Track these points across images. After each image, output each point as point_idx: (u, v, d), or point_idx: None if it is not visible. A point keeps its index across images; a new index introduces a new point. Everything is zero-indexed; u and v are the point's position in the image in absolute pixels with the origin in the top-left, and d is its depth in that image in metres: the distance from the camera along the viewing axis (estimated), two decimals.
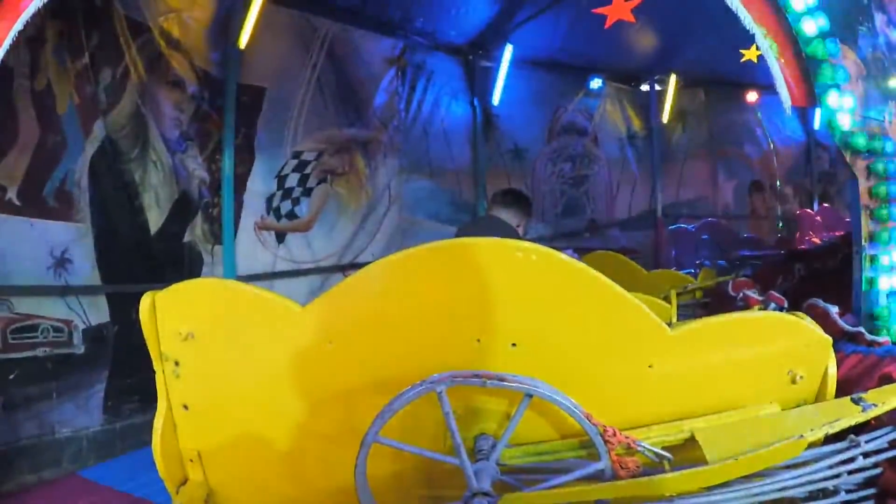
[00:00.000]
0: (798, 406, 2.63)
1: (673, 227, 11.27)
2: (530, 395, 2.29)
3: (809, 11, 3.56)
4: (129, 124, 6.04)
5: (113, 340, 5.81)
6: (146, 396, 5.77)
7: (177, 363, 2.58)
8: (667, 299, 5.00)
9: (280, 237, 7.45)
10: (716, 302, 5.60)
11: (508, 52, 9.67)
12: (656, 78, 11.92)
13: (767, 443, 2.34)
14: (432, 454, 2.37)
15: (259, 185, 7.25)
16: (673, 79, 11.76)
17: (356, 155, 8.20)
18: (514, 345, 2.43)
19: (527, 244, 2.39)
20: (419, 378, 2.33)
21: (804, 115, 12.87)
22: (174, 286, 2.59)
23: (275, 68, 7.28)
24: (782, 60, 3.59)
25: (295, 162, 7.55)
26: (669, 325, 2.79)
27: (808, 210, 10.95)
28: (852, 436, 2.52)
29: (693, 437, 2.47)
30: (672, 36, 10.15)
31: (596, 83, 11.26)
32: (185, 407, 2.62)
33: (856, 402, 2.56)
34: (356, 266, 7.90)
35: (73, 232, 5.60)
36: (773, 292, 4.58)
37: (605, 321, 2.46)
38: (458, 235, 4.01)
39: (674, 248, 10.54)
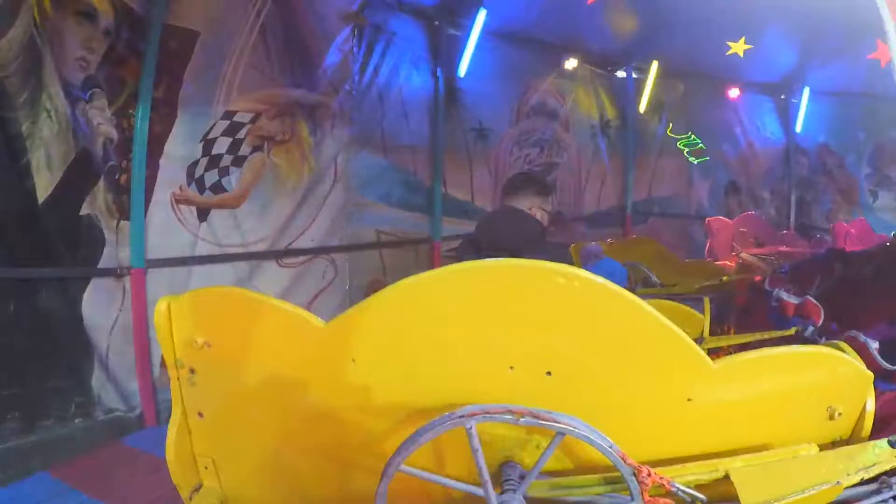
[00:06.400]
0: (833, 442, 2.58)
1: (712, 217, 11.08)
2: (562, 434, 2.24)
3: None
4: (18, 59, 5.09)
5: None
6: (32, 412, 5.17)
7: (192, 371, 2.59)
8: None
9: (202, 214, 6.50)
10: (749, 298, 5.83)
11: (482, 18, 9.19)
12: (634, 65, 11.86)
13: (803, 487, 2.33)
14: (458, 485, 2.32)
15: (180, 148, 6.29)
16: (654, 66, 11.69)
17: (300, 121, 7.36)
18: (549, 373, 2.34)
19: (569, 269, 2.24)
20: (447, 403, 2.31)
21: (786, 116, 13.37)
22: (191, 293, 2.57)
23: (211, 10, 6.37)
24: None
25: (226, 123, 6.62)
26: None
27: (842, 223, 10.84)
28: (884, 477, 2.46)
29: (727, 477, 2.39)
30: (655, 21, 10.16)
31: (571, 63, 10.87)
32: (200, 415, 2.66)
33: (893, 444, 2.51)
34: (292, 252, 7.31)
35: None
36: (809, 298, 4.75)
37: (646, 352, 2.36)
38: (478, 230, 4.00)
39: (709, 240, 10.30)
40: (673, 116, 12.45)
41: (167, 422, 6.12)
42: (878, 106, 12.72)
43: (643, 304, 2.30)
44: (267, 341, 2.53)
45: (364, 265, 8.04)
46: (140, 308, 5.81)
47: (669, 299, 5.81)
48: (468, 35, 9.30)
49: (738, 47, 10.48)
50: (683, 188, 12.73)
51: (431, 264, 8.90)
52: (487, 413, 2.23)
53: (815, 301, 4.67)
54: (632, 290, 6.03)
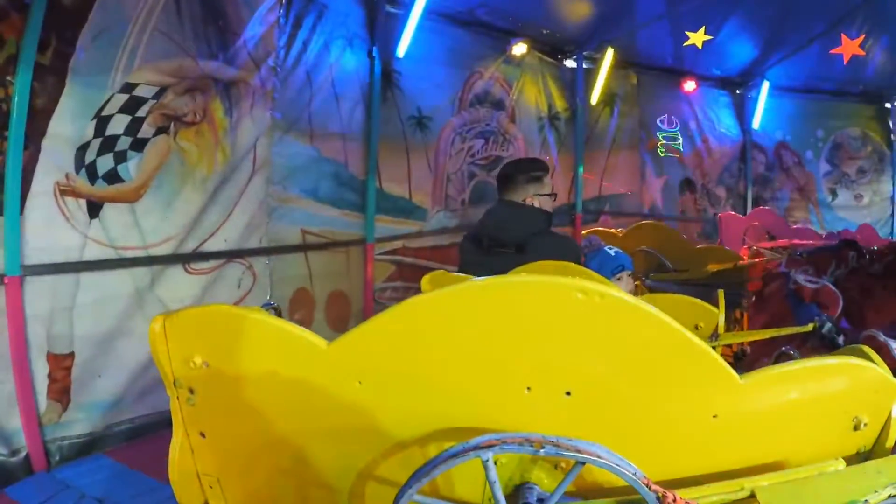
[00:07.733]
0: (857, 453, 2.53)
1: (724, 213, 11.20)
2: (583, 463, 2.16)
3: None
4: None
5: None
6: None
7: (191, 391, 2.57)
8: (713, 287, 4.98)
9: (94, 209, 5.68)
10: (764, 283, 5.95)
11: None
12: (585, 54, 11.47)
13: None
14: None
15: (67, 127, 5.45)
16: (609, 55, 11.32)
17: (213, 98, 6.58)
18: (568, 393, 2.28)
19: (589, 285, 2.15)
20: (459, 427, 2.31)
21: (741, 112, 13.28)
22: (185, 311, 2.54)
23: None
24: None
25: (125, 97, 5.77)
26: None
27: (848, 229, 10.85)
28: None
29: (753, 496, 2.32)
30: (608, 8, 10.15)
31: (519, 49, 10.38)
32: (203, 435, 2.64)
33: None
34: (202, 256, 6.53)
35: None
36: (827, 284, 5.03)
37: (670, 369, 2.28)
38: (479, 227, 4.10)
39: (720, 235, 10.31)
40: (625, 109, 12.19)
41: (59, 465, 5.32)
42: (837, 102, 12.97)
43: (667, 318, 2.26)
44: (268, 362, 2.52)
45: (287, 271, 7.37)
46: (17, 326, 5.02)
47: (683, 283, 6.23)
48: (408, 13, 8.73)
49: (697, 38, 10.39)
50: (636, 185, 12.51)
51: (364, 268, 8.40)
52: (505, 443, 2.18)
53: (833, 287, 4.96)
54: (644, 275, 6.48)
